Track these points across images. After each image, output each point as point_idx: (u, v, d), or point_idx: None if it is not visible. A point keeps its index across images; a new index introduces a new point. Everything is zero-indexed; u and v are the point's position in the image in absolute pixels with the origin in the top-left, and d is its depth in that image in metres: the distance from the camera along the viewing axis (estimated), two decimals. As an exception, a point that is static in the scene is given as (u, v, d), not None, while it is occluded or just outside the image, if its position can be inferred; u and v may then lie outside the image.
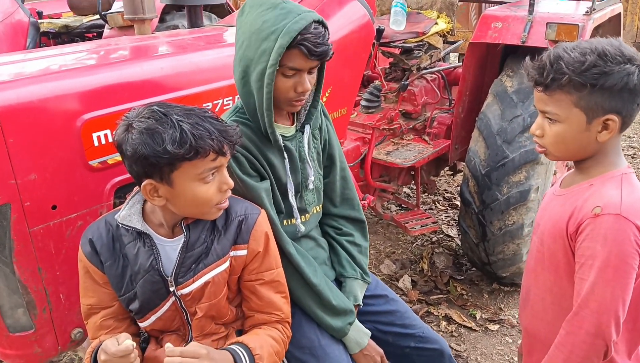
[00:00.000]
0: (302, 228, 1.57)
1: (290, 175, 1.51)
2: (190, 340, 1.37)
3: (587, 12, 2.52)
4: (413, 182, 3.32)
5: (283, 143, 1.48)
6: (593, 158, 1.26)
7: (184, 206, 1.26)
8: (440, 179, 4.55)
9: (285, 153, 1.49)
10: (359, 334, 1.56)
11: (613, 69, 1.13)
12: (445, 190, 4.45)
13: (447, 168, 3.82)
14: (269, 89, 1.34)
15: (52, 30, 3.98)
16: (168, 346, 1.16)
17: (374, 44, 2.87)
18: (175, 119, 1.16)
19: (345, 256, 1.67)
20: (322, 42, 1.34)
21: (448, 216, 4.00)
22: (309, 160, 1.56)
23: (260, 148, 1.46)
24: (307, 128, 1.55)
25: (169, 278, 1.29)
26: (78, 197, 1.55)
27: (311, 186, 1.59)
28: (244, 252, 1.33)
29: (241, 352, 1.26)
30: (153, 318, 1.33)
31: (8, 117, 1.36)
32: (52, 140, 1.46)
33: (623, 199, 1.17)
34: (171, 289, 1.30)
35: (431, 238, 3.69)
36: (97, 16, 3.91)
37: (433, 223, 3.05)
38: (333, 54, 1.42)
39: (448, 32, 3.08)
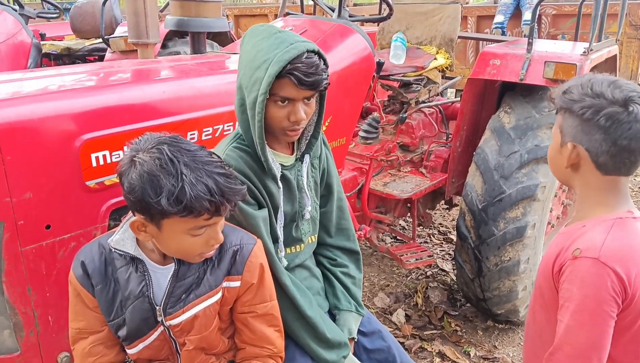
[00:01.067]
0: (285, 262, 1.54)
1: (282, 205, 1.50)
2: None
3: (584, 52, 2.56)
4: (409, 214, 3.31)
5: (281, 171, 1.47)
6: (577, 190, 1.27)
7: (167, 249, 1.23)
8: (435, 213, 4.55)
9: (280, 182, 1.47)
10: None
11: (580, 98, 1.17)
12: (440, 224, 4.44)
13: (442, 201, 3.82)
14: (259, 117, 1.34)
15: (54, 52, 4.01)
16: None
17: (373, 76, 2.91)
18: (179, 170, 1.10)
19: (340, 288, 1.65)
20: (314, 71, 1.32)
21: (443, 251, 3.98)
22: (306, 190, 1.55)
23: (260, 176, 1.45)
24: (307, 158, 1.54)
25: (158, 308, 1.26)
26: (73, 218, 1.53)
27: (307, 216, 1.58)
28: (237, 284, 1.30)
29: None
30: (141, 346, 1.30)
31: (6, 135, 1.36)
32: (50, 159, 1.45)
33: (605, 244, 1.15)
34: (159, 319, 1.27)
35: (426, 272, 3.66)
36: (100, 40, 3.95)
37: (428, 256, 3.03)
38: (328, 84, 1.40)
39: (447, 68, 3.13)
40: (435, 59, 3.09)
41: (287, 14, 2.77)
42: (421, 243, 4.04)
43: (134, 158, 1.13)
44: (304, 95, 1.36)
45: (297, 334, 1.49)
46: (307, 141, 1.54)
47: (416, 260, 2.96)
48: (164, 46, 3.84)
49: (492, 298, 2.79)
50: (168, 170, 1.09)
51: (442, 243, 4.11)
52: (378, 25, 3.49)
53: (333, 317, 1.63)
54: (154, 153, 1.12)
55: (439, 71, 3.11)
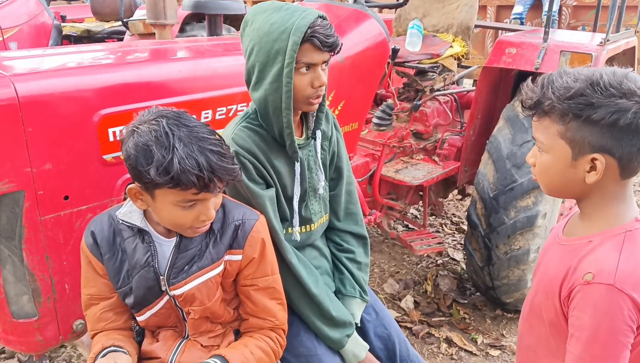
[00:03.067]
0: (298, 237, 1.57)
1: (299, 180, 1.53)
2: (187, 337, 1.38)
3: (601, 42, 2.55)
4: (421, 202, 3.33)
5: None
6: (591, 200, 1.12)
7: (160, 219, 1.26)
8: (449, 203, 4.56)
9: (298, 157, 1.49)
10: (357, 347, 1.55)
11: (601, 102, 1.00)
12: (453, 214, 4.44)
13: (455, 191, 3.82)
14: (288, 87, 1.35)
15: (74, 34, 4.08)
16: None
17: (388, 62, 2.92)
18: (172, 143, 1.13)
19: (346, 273, 1.67)
20: (331, 33, 1.36)
21: (455, 240, 3.99)
22: (320, 166, 1.57)
23: (268, 155, 1.47)
24: (318, 133, 1.57)
25: (162, 277, 1.30)
26: (90, 190, 1.58)
27: (321, 192, 1.60)
28: (239, 257, 1.33)
29: None
30: (148, 314, 1.35)
31: (28, 108, 1.40)
32: (69, 132, 1.50)
33: (619, 267, 1.03)
34: (163, 288, 1.31)
35: (436, 261, 3.68)
36: (119, 22, 4.00)
37: (438, 243, 3.04)
38: (342, 45, 1.43)
39: (463, 56, 3.12)
40: (451, 47, 3.09)
41: (304, -2, 2.79)
42: (433, 232, 4.05)
43: (135, 128, 1.18)
44: (323, 58, 1.39)
45: (302, 311, 1.52)
46: (314, 117, 1.56)
47: (426, 246, 2.98)
48: (181, 30, 3.87)
49: (501, 286, 2.81)
50: (161, 142, 1.13)
51: (454, 233, 4.11)
52: (395, 12, 3.49)
53: None
54: (152, 124, 1.16)
55: (455, 59, 3.11)
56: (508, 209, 2.62)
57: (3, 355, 2.52)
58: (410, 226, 3.92)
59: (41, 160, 1.45)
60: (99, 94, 1.55)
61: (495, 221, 2.67)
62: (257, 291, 1.37)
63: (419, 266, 3.62)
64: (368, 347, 1.57)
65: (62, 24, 4.20)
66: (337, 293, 1.66)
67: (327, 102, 2.04)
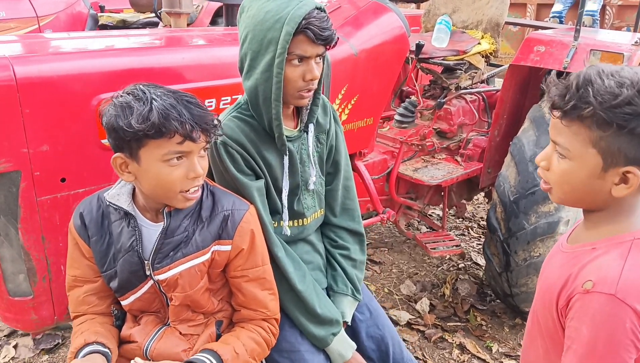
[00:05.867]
0: (288, 231, 1.54)
1: (287, 174, 1.49)
2: (168, 324, 1.37)
3: (636, 42, 2.40)
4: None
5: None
6: (604, 211, 1.04)
7: (149, 186, 1.24)
8: (478, 206, 4.43)
9: (286, 148, 1.47)
10: (343, 345, 1.51)
11: None
12: (481, 217, 4.32)
13: (483, 194, 3.70)
14: (278, 78, 1.33)
15: (109, 24, 4.17)
16: (136, 360, 1.17)
17: (411, 58, 2.85)
18: (150, 97, 1.16)
19: (339, 270, 1.63)
20: (326, 26, 1.32)
21: (480, 244, 3.87)
22: (312, 160, 1.54)
23: (258, 146, 1.44)
24: (311, 127, 1.53)
25: (147, 262, 1.30)
26: (88, 173, 1.60)
27: (312, 187, 1.56)
28: (228, 248, 1.32)
29: (211, 361, 1.24)
30: (132, 298, 1.35)
31: (26, 90, 1.43)
32: (67, 116, 1.52)
33: (623, 275, 0.94)
34: (148, 273, 1.31)
35: (458, 264, 3.58)
36: (154, 14, 4.07)
37: (456, 246, 2.95)
38: (338, 39, 1.39)
39: (491, 54, 3.01)
40: (479, 43, 2.98)
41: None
42: (458, 235, 3.95)
43: (112, 98, 1.21)
44: (317, 52, 1.36)
45: (287, 306, 1.49)
46: (308, 110, 1.52)
47: (442, 249, 2.90)
48: (213, 22, 3.90)
49: (519, 294, 2.70)
50: (139, 97, 1.17)
51: (479, 237, 3.99)
52: (419, 7, 3.41)
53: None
54: (129, 90, 1.20)
55: (482, 57, 3.00)
56: (528, 214, 2.51)
57: (19, 333, 2.61)
58: (434, 228, 3.84)
59: (38, 142, 1.47)
60: (98, 78, 1.56)
61: (514, 226, 2.56)
62: (248, 283, 1.36)
63: (439, 269, 3.53)
64: (355, 346, 1.53)
65: (99, 14, 4.32)
66: (329, 290, 1.62)
67: (327, 96, 2.00)
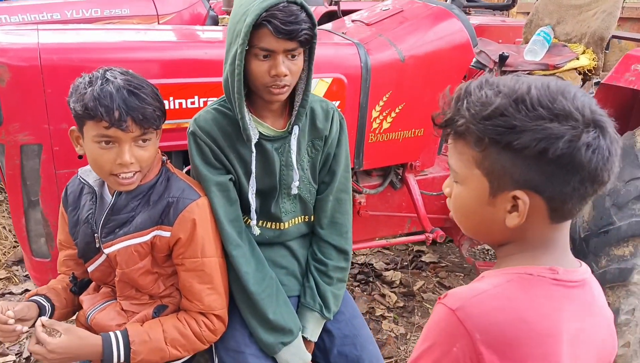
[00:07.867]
0: (256, 231, 1.50)
1: (255, 174, 1.45)
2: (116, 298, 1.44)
3: None
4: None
5: (259, 140, 1.44)
6: (511, 245, 0.87)
7: (89, 163, 1.32)
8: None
9: (254, 148, 1.43)
10: (294, 358, 1.44)
11: (526, 125, 0.75)
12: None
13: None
14: (238, 70, 1.31)
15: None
16: (40, 319, 1.25)
17: (491, 70, 2.63)
18: (95, 80, 1.22)
19: (310, 283, 1.55)
20: (292, 20, 1.27)
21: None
22: (295, 166, 1.48)
23: (233, 140, 1.43)
24: (296, 129, 1.47)
25: (96, 235, 1.36)
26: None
27: (295, 192, 1.51)
28: (167, 234, 1.34)
29: (117, 338, 1.28)
30: (92, 267, 1.44)
31: (50, 72, 1.59)
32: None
33: (476, 299, 0.80)
34: (98, 245, 1.37)
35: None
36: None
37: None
38: (313, 37, 1.33)
39: (590, 70, 2.65)
40: (577, 58, 2.65)
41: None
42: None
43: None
44: (284, 47, 1.31)
45: (239, 306, 1.46)
46: (295, 111, 1.47)
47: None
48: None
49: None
50: (90, 80, 1.23)
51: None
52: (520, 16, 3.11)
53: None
54: (95, 72, 1.27)
55: (579, 73, 2.66)
56: (599, 255, 2.16)
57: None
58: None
59: (58, 119, 1.63)
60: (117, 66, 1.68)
61: (583, 268, 2.22)
62: (185, 272, 1.37)
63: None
64: (309, 359, 1.45)
65: (221, 17, 4.61)
66: (299, 301, 1.56)
67: (365, 102, 1.92)
